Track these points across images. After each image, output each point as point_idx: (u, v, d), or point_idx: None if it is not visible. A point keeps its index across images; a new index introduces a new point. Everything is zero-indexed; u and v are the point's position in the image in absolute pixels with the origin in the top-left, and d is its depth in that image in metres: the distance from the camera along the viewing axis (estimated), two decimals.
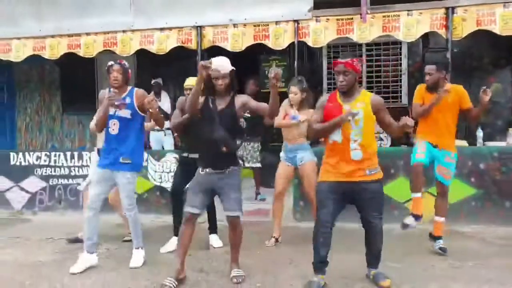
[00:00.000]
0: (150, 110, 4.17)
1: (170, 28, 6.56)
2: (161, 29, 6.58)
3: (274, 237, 5.10)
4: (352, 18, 6.05)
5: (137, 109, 4.27)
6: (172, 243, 4.84)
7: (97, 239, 4.39)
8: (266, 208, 6.41)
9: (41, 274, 4.22)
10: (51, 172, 6.90)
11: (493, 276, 3.91)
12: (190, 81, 4.93)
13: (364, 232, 3.78)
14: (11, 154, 7.06)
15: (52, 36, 6.93)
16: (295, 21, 6.20)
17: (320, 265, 3.68)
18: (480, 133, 6.04)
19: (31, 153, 7.02)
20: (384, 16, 5.98)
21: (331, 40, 6.26)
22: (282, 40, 6.29)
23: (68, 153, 6.88)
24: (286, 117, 4.94)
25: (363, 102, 3.61)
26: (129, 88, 4.39)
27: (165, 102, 7.61)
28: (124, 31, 6.70)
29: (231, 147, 3.82)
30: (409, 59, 8.09)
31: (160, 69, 7.96)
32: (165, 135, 7.47)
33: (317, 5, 6.17)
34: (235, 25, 6.38)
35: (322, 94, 8.28)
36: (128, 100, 4.26)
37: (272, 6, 6.25)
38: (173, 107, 7.68)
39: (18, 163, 6.99)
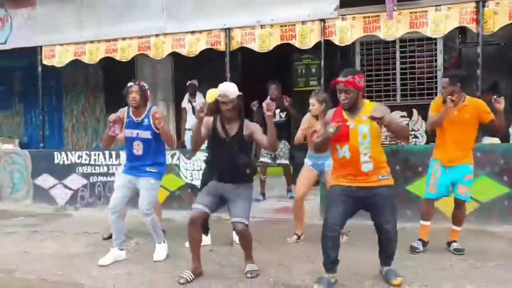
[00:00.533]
0: (157, 126, 4.34)
1: (200, 31, 6.77)
2: (192, 32, 6.80)
3: (296, 234, 5.18)
4: (378, 16, 6.01)
5: (155, 128, 4.44)
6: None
7: (124, 237, 4.67)
8: None
9: (73, 265, 4.52)
10: (91, 170, 7.28)
11: (510, 276, 3.81)
12: (209, 97, 4.97)
13: None
14: (55, 153, 7.51)
15: (91, 42, 7.33)
16: (321, 20, 6.23)
17: (330, 265, 3.70)
18: (511, 130, 5.86)
19: (73, 152, 7.45)
20: (411, 13, 5.90)
21: (359, 37, 6.23)
22: (309, 39, 6.33)
23: (107, 152, 7.23)
24: (313, 134, 4.93)
25: (367, 115, 3.56)
26: (147, 108, 4.57)
27: (199, 102, 7.82)
28: (157, 35, 6.97)
29: (252, 167, 4.03)
30: (445, 54, 7.91)
31: (197, 70, 8.20)
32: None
33: (343, 4, 6.18)
34: (262, 26, 6.49)
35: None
36: (146, 122, 4.47)
37: (298, 6, 6.31)
38: None
39: (61, 162, 7.43)
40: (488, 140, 5.80)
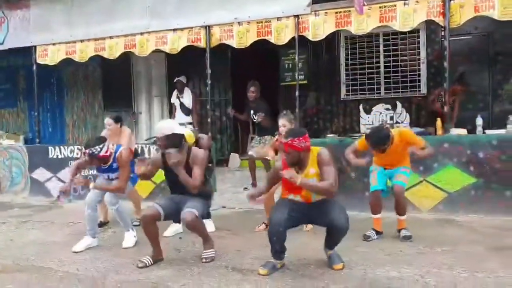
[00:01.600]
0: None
1: (181, 29, 7.01)
2: (174, 30, 7.05)
3: (264, 223, 5.39)
4: (349, 11, 6.15)
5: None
6: (173, 227, 5.30)
7: (97, 227, 5.08)
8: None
9: (49, 251, 4.83)
10: None
11: (450, 261, 3.96)
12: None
13: None
14: (49, 148, 7.88)
15: (81, 41, 7.65)
16: (295, 16, 6.40)
17: (276, 254, 3.89)
18: (479, 121, 5.93)
19: (66, 147, 7.81)
20: (380, 7, 6.03)
21: (331, 32, 6.38)
22: (284, 35, 6.52)
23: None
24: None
25: (313, 168, 3.77)
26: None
27: (186, 98, 8.08)
28: (141, 33, 7.24)
29: (202, 190, 4.29)
30: (428, 47, 7.98)
31: (189, 66, 8.47)
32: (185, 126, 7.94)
33: (315, 0, 6.34)
34: (239, 23, 6.70)
35: (340, 86, 8.45)
36: (114, 166, 4.86)
37: (274, 2, 6.50)
38: (195, 103, 8.19)
39: (55, 156, 7.80)
40: (455, 131, 5.89)
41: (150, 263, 4.20)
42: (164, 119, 4.39)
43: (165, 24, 7.09)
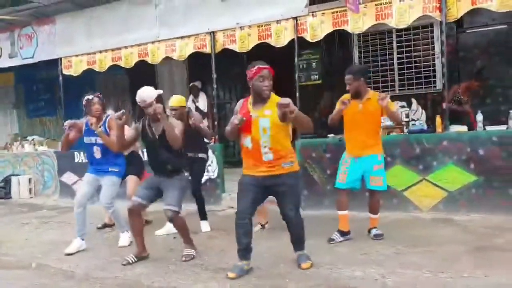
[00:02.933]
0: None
1: (188, 36, 7.27)
2: (181, 37, 7.32)
3: (259, 223, 5.52)
4: (346, 10, 6.14)
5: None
6: (166, 227, 5.53)
7: (86, 229, 5.23)
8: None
9: (53, 250, 5.20)
10: None
11: (422, 261, 3.92)
12: (173, 102, 5.54)
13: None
14: (75, 153, 8.38)
15: (100, 52, 8.10)
16: (293, 18, 6.47)
17: (243, 252, 3.95)
18: (480, 117, 5.73)
19: None
20: (376, 5, 5.98)
21: (328, 33, 6.39)
22: (283, 37, 6.60)
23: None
24: None
25: (270, 109, 3.77)
26: (104, 117, 5.12)
27: (201, 102, 8.36)
28: (152, 42, 7.57)
29: (175, 165, 4.44)
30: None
31: (209, 70, 8.66)
32: None
33: (312, 1, 6.39)
34: (241, 28, 6.86)
35: None
36: (103, 129, 4.99)
37: (272, 6, 6.59)
38: (210, 106, 8.44)
39: (80, 161, 8.29)
40: (455, 128, 5.74)
41: (134, 261, 4.45)
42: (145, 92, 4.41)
43: (173, 32, 7.37)
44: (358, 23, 6.10)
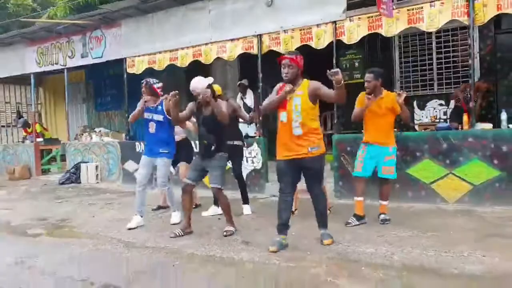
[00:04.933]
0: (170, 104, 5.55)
1: (237, 38, 7.98)
2: (231, 40, 8.04)
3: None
4: (380, 15, 6.60)
5: (166, 114, 5.81)
6: (211, 210, 6.29)
7: (144, 208, 6.03)
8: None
9: (116, 226, 6.07)
10: None
11: (429, 243, 4.40)
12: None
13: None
14: (136, 143, 9.35)
15: (159, 52, 9.00)
16: (333, 22, 7.01)
17: (282, 227, 4.61)
18: (504, 116, 6.03)
19: None
20: (408, 10, 6.42)
21: (364, 35, 6.88)
22: (323, 40, 7.16)
23: None
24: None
25: (302, 90, 4.43)
26: (160, 98, 5.92)
27: (249, 99, 9.05)
28: (206, 44, 8.36)
29: (218, 145, 5.16)
30: (480, 42, 8.01)
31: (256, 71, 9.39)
32: (248, 126, 8.91)
33: (350, 6, 6.89)
34: (285, 31, 7.48)
35: (395, 83, 8.79)
36: (159, 108, 5.83)
37: (313, 11, 7.16)
38: (256, 102, 9.12)
39: (141, 150, 9.22)
40: (480, 126, 6.08)
41: (180, 234, 5.22)
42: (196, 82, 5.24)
43: (224, 35, 8.11)
44: (391, 27, 6.56)
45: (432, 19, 6.26)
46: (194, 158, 5.44)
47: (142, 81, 5.95)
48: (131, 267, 4.31)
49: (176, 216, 6.01)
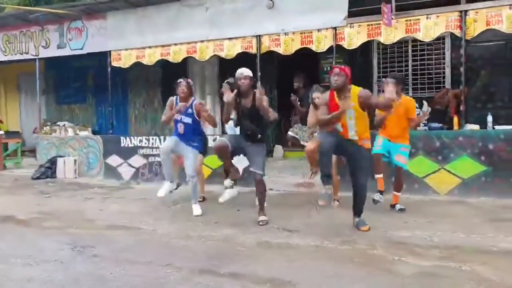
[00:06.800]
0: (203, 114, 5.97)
1: (236, 38, 8.27)
2: (230, 38, 8.31)
3: (312, 172, 6.25)
4: (380, 23, 7.24)
5: (196, 116, 6.06)
6: (226, 194, 6.39)
7: (173, 174, 6.25)
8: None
9: (134, 217, 6.13)
10: (150, 152, 8.98)
11: (452, 227, 5.07)
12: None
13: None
14: (121, 138, 9.29)
15: (150, 47, 9.03)
16: (333, 28, 7.54)
17: (326, 178, 4.93)
18: (489, 118, 6.92)
19: (135, 137, 9.20)
20: (406, 20, 7.11)
21: (363, 42, 7.48)
22: (323, 44, 7.68)
23: (162, 137, 8.90)
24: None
25: (353, 102, 4.80)
26: (191, 100, 6.12)
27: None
28: (202, 41, 8.55)
29: (259, 134, 5.51)
30: (452, 52, 8.93)
31: (239, 67, 9.59)
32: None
33: (350, 14, 7.46)
34: (286, 33, 7.90)
35: (373, 87, 9.51)
36: (190, 111, 6.05)
37: (314, 16, 7.65)
38: None
39: (126, 145, 9.19)
40: (469, 127, 6.91)
41: (232, 184, 5.67)
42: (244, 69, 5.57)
43: (222, 33, 8.36)
44: (390, 35, 7.21)
45: (428, 30, 6.99)
46: (236, 136, 5.71)
47: (180, 80, 6.07)
48: (199, 253, 4.46)
49: (197, 208, 6.20)
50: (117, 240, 5.04)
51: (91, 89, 12.37)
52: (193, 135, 6.14)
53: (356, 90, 4.92)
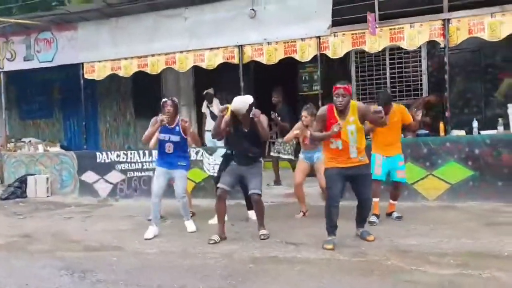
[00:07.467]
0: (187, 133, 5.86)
1: (217, 48, 8.11)
2: (211, 49, 8.15)
3: (302, 211, 6.45)
4: (364, 32, 7.27)
5: (182, 134, 5.87)
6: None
7: (159, 217, 5.96)
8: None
9: (124, 237, 5.83)
10: (128, 167, 8.65)
11: (455, 234, 5.08)
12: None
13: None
14: (97, 153, 8.92)
15: (125, 58, 8.73)
16: (317, 37, 7.52)
17: (333, 228, 4.87)
18: (475, 124, 7.06)
19: (112, 152, 8.85)
20: (390, 29, 7.17)
21: (348, 51, 7.50)
22: (307, 53, 7.64)
23: (141, 152, 8.60)
24: (305, 139, 6.26)
25: (353, 116, 4.77)
26: (177, 118, 5.91)
27: (215, 108, 9.15)
28: (181, 52, 8.34)
29: (254, 152, 5.38)
30: (428, 60, 9.13)
31: (215, 78, 9.42)
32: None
33: (334, 23, 7.46)
34: (269, 43, 7.81)
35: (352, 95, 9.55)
36: (177, 129, 5.84)
37: (298, 25, 7.60)
38: None
39: (102, 161, 8.82)
40: (455, 132, 7.03)
41: (218, 240, 5.27)
42: (241, 97, 5.54)
43: (203, 43, 8.18)
44: (374, 44, 7.26)
45: (412, 39, 7.08)
46: (230, 164, 5.51)
47: (165, 100, 5.86)
48: (210, 273, 4.25)
49: (191, 224, 5.99)
50: (116, 262, 4.75)
51: (57, 103, 11.85)
52: (182, 151, 5.97)
53: (355, 104, 4.87)
